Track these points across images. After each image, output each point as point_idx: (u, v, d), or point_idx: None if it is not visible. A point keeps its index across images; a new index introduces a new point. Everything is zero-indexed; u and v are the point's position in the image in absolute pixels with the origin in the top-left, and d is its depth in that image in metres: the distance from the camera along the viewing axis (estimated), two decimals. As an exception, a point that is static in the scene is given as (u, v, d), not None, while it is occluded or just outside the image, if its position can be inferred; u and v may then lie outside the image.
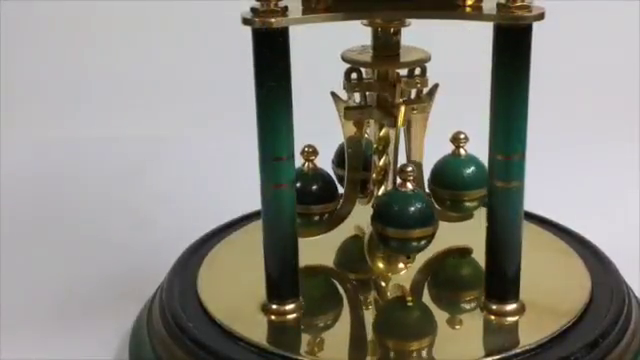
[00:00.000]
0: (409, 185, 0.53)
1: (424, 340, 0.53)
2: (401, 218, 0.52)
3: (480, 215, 0.55)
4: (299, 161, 0.55)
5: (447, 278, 0.60)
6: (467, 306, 0.56)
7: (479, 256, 0.54)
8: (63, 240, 0.75)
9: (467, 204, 0.58)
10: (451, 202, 0.59)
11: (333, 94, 0.57)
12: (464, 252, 0.61)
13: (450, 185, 0.58)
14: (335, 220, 0.59)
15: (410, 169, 0.53)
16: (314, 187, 0.57)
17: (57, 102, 1.00)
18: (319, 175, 0.58)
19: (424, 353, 0.51)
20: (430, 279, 0.59)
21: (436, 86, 0.56)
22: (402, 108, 0.54)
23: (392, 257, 0.59)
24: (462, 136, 0.59)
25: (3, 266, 0.70)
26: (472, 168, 0.58)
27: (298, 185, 0.55)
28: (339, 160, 0.61)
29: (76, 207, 0.81)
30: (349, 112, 0.57)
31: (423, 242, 0.53)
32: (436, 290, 0.58)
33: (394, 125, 0.55)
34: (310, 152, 0.58)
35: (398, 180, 0.53)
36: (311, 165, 0.58)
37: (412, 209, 0.52)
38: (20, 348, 0.60)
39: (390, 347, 0.52)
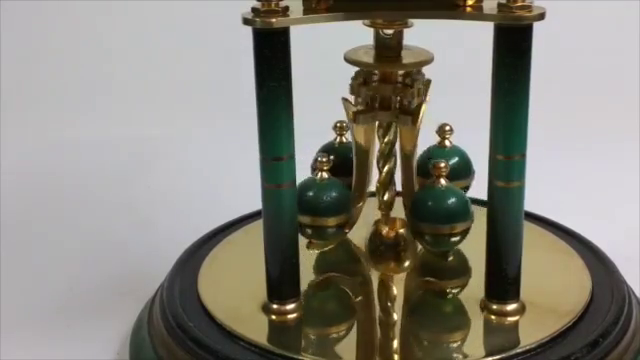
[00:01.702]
0: (442, 181, 0.54)
1: (424, 340, 0.53)
2: (436, 214, 0.53)
3: (480, 215, 0.55)
4: (300, 164, 0.55)
5: (447, 279, 0.59)
6: (467, 306, 0.55)
7: (479, 256, 0.54)
8: (63, 240, 0.75)
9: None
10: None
11: (344, 100, 0.57)
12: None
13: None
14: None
15: (443, 165, 0.54)
16: (328, 197, 0.55)
17: (57, 102, 1.00)
18: (334, 185, 0.56)
19: (424, 353, 0.51)
20: (430, 279, 0.59)
21: (421, 102, 0.56)
22: (423, 106, 0.55)
23: (390, 257, 0.59)
24: (447, 128, 0.60)
25: (3, 266, 0.70)
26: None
27: (311, 194, 0.55)
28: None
29: (76, 207, 0.81)
30: (360, 116, 0.56)
31: (459, 237, 0.54)
32: (436, 290, 0.58)
33: (413, 124, 0.55)
34: (324, 162, 0.56)
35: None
36: (325, 175, 0.56)
37: (446, 205, 0.53)
38: (20, 348, 0.60)
39: (391, 347, 0.52)
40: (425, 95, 0.56)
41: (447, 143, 0.61)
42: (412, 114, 0.55)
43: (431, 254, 0.59)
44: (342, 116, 0.59)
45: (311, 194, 0.55)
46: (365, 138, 0.57)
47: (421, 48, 0.56)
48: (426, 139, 0.60)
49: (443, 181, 0.54)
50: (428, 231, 0.55)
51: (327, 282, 0.58)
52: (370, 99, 0.56)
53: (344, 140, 0.62)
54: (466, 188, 0.61)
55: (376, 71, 0.56)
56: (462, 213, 0.54)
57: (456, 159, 0.60)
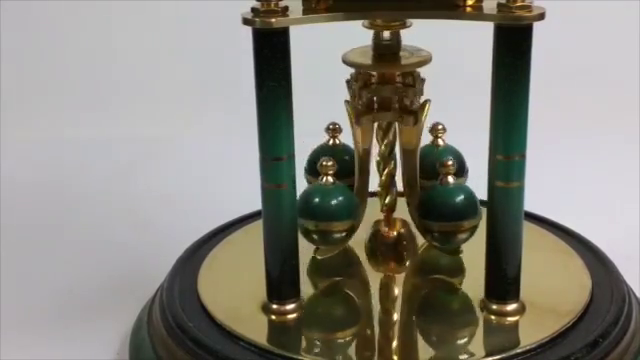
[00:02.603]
0: (450, 179, 0.54)
1: (424, 340, 0.53)
2: (446, 211, 0.54)
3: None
4: (300, 164, 0.55)
5: (447, 279, 0.60)
6: (467, 306, 0.55)
7: (479, 256, 0.54)
8: (63, 240, 0.75)
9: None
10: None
11: (347, 102, 0.57)
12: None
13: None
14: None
15: (450, 162, 0.54)
16: (334, 202, 0.54)
17: (57, 102, 1.00)
18: (340, 190, 0.55)
19: (425, 353, 0.51)
20: (430, 280, 0.59)
21: (425, 103, 0.56)
22: (427, 105, 0.55)
23: (390, 258, 0.59)
24: (440, 127, 0.60)
25: (3, 266, 0.70)
26: (461, 196, 0.55)
27: (317, 200, 0.54)
28: (312, 168, 0.61)
29: (76, 207, 0.81)
30: (362, 118, 0.56)
31: (467, 234, 0.54)
32: (436, 290, 0.58)
33: (415, 124, 0.55)
34: (329, 166, 0.55)
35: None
36: (330, 179, 0.55)
37: (457, 202, 0.54)
38: (20, 348, 0.59)
39: (390, 346, 0.52)
40: (423, 94, 0.56)
41: (440, 142, 0.61)
42: (414, 113, 0.55)
43: (433, 253, 0.59)
44: (342, 116, 0.59)
45: (317, 199, 0.54)
46: (365, 140, 0.57)
47: (419, 48, 0.56)
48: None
49: (451, 179, 0.55)
50: (437, 229, 0.55)
51: (327, 282, 0.58)
52: (371, 100, 0.56)
53: (337, 142, 0.62)
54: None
55: (374, 72, 0.56)
56: (471, 210, 0.54)
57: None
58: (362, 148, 0.57)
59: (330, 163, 0.55)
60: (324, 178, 0.55)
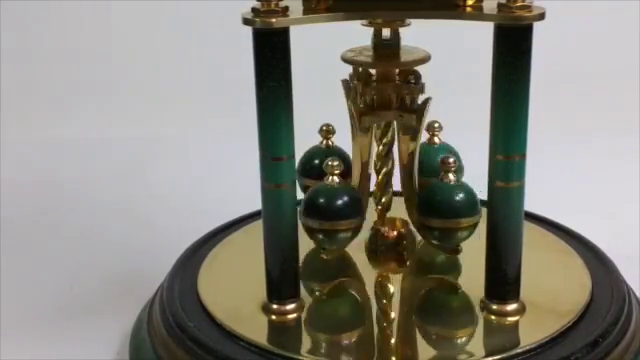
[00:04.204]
0: (451, 176, 0.54)
1: (424, 340, 0.53)
2: (447, 209, 0.54)
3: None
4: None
5: (447, 279, 0.59)
6: (467, 306, 0.55)
7: (479, 256, 0.54)
8: (63, 240, 0.75)
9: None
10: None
11: (350, 103, 0.57)
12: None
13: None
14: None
15: (452, 160, 0.54)
16: (340, 202, 0.54)
17: (57, 102, 1.00)
18: (346, 190, 0.55)
19: (425, 353, 0.51)
20: (430, 280, 0.59)
21: (427, 100, 0.56)
22: (428, 103, 0.55)
23: (389, 257, 0.59)
24: (436, 125, 0.60)
25: (3, 266, 0.70)
26: (462, 195, 0.54)
27: (322, 201, 0.54)
28: (305, 169, 0.61)
29: (76, 207, 0.81)
30: (365, 118, 0.56)
31: (467, 232, 0.54)
32: (436, 289, 0.58)
33: (417, 123, 0.55)
34: (335, 165, 0.55)
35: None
36: (336, 179, 0.55)
37: (457, 199, 0.54)
38: (20, 348, 0.59)
39: (390, 346, 0.52)
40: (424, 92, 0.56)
41: (436, 140, 0.61)
42: (416, 112, 0.55)
43: (432, 252, 0.59)
44: (342, 116, 0.59)
45: (323, 199, 0.54)
46: (365, 140, 0.57)
47: (417, 47, 0.56)
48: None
49: (452, 176, 0.54)
50: (437, 226, 0.55)
51: (327, 282, 0.58)
52: (372, 99, 0.56)
53: (330, 144, 0.62)
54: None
55: (374, 71, 0.56)
56: (471, 208, 0.54)
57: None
58: (360, 147, 0.57)
59: (336, 163, 0.55)
60: (330, 178, 0.55)
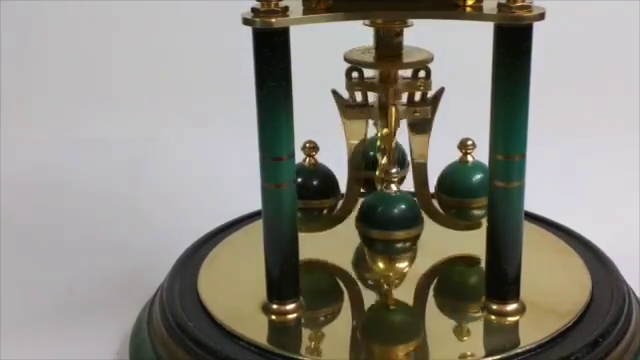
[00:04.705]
0: (393, 187, 0.55)
1: (425, 340, 0.53)
2: (385, 220, 0.54)
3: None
4: (299, 157, 0.55)
5: (447, 278, 0.59)
6: (467, 306, 0.55)
7: (479, 256, 0.54)
8: (63, 240, 0.75)
9: (474, 212, 0.58)
10: (457, 210, 0.58)
11: (334, 92, 0.57)
12: (470, 259, 0.61)
13: (456, 192, 0.58)
14: (335, 219, 0.59)
15: (394, 171, 0.55)
16: (314, 182, 0.58)
17: (57, 102, 1.00)
18: (319, 170, 0.59)
19: (425, 353, 0.51)
20: (431, 279, 0.59)
21: (441, 90, 0.56)
22: (392, 109, 0.55)
23: (391, 257, 0.59)
24: (469, 142, 0.59)
25: (3, 266, 0.70)
26: (479, 175, 0.57)
27: (299, 180, 0.55)
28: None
29: (76, 207, 0.81)
30: (349, 111, 0.57)
31: (407, 244, 0.55)
32: (436, 290, 0.58)
33: (433, 114, 0.56)
34: (311, 148, 0.58)
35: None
36: (312, 160, 0.58)
37: (396, 211, 0.54)
38: (20, 348, 0.59)
39: (391, 347, 0.52)
40: (436, 103, 0.57)
41: (469, 158, 0.59)
42: (431, 104, 0.56)
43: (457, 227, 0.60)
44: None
45: (300, 180, 0.56)
46: (358, 133, 0.58)
47: (420, 47, 0.56)
48: (441, 147, 0.59)
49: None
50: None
51: (327, 282, 0.58)
52: (363, 96, 0.56)
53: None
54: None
55: (374, 71, 0.56)
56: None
57: (480, 175, 0.58)
58: (354, 141, 0.58)
59: (312, 145, 0.58)
60: (306, 159, 0.58)
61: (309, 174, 0.58)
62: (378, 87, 0.56)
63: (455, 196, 0.58)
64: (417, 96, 0.56)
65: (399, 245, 0.55)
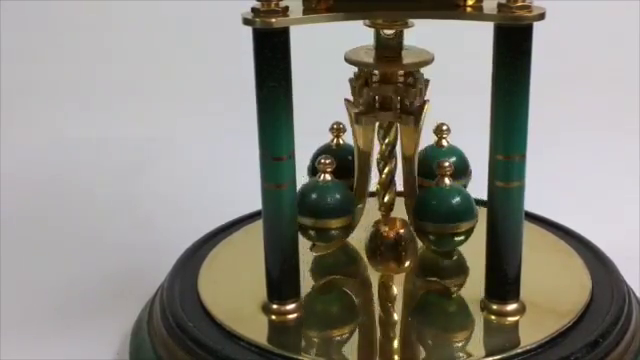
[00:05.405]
0: (447, 180, 0.54)
1: (425, 340, 0.53)
2: (441, 213, 0.54)
3: (480, 215, 0.55)
4: (300, 163, 0.55)
5: (447, 279, 0.59)
6: (467, 306, 0.55)
7: (479, 256, 0.54)
8: (63, 240, 0.75)
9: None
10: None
11: (347, 101, 0.57)
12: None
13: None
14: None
15: (447, 164, 0.54)
16: (332, 200, 0.55)
17: (57, 102, 1.00)
18: (338, 187, 0.56)
19: (425, 353, 0.51)
20: (433, 280, 0.59)
21: (424, 102, 0.56)
22: (426, 106, 0.55)
23: (390, 258, 0.59)
24: (444, 127, 0.61)
25: (3, 266, 0.70)
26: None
27: (314, 196, 0.55)
28: (314, 168, 0.61)
29: (76, 207, 0.81)
30: (362, 117, 0.56)
31: (463, 237, 0.55)
32: (439, 289, 0.58)
33: (415, 124, 0.55)
34: (327, 163, 0.56)
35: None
36: (328, 177, 0.56)
37: (453, 203, 0.54)
38: (20, 348, 0.60)
39: (391, 347, 0.52)
40: (424, 95, 0.56)
41: (444, 142, 0.61)
42: (414, 114, 0.55)
43: (433, 254, 0.59)
44: (342, 116, 0.59)
45: (314, 196, 0.55)
46: (365, 139, 0.57)
47: (421, 48, 0.56)
48: (425, 139, 0.60)
49: (447, 180, 0.55)
50: (432, 230, 0.55)
51: (327, 282, 0.58)
52: (372, 100, 0.56)
53: (341, 142, 0.62)
54: (463, 187, 0.60)
55: (376, 71, 0.56)
56: (467, 212, 0.55)
57: (453, 158, 0.59)
58: (362, 147, 0.57)
59: (328, 161, 0.56)
60: (322, 175, 0.56)
61: (324, 190, 0.55)
62: (392, 89, 0.55)
63: (433, 222, 0.55)
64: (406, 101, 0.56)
65: (457, 239, 0.55)
